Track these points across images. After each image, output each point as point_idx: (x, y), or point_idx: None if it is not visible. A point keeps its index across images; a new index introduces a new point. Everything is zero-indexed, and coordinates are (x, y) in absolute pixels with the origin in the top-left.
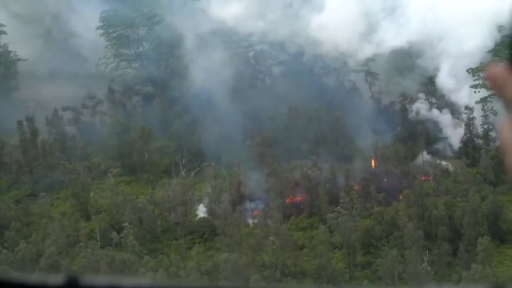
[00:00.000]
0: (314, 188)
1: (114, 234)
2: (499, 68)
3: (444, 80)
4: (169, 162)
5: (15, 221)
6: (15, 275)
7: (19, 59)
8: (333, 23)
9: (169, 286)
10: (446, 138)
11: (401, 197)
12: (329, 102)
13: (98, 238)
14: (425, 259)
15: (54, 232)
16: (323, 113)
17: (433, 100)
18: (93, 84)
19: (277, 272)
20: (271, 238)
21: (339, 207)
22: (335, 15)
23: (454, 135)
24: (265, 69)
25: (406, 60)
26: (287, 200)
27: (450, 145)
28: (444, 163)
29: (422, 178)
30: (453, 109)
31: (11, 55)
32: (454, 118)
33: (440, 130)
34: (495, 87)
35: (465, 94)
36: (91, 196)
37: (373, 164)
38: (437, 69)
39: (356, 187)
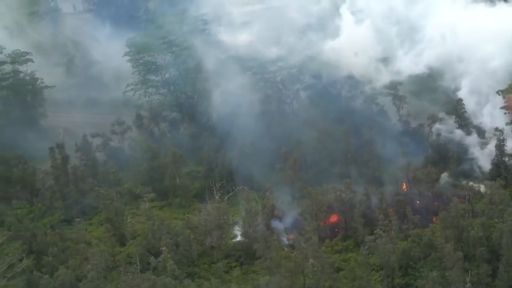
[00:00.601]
0: (348, 211)
1: (152, 259)
2: None
3: (468, 101)
4: (200, 186)
5: (52, 246)
6: None
7: (46, 86)
8: (349, 47)
9: None
10: (474, 159)
11: (434, 219)
12: (358, 125)
13: (137, 263)
14: (467, 280)
15: (94, 257)
16: (352, 136)
17: (461, 122)
18: (120, 111)
19: None
20: (311, 260)
21: (378, 229)
22: (352, 40)
23: (482, 156)
24: (292, 93)
25: (429, 82)
26: (321, 223)
27: (480, 167)
28: (475, 184)
29: (457, 199)
30: (479, 131)
31: (38, 82)
32: (481, 139)
33: (468, 152)
34: None
35: (489, 115)
36: (128, 220)
37: (404, 186)
38: (458, 89)
39: (390, 209)
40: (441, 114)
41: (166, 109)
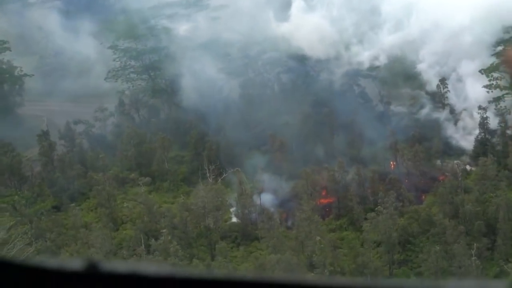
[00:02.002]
0: (341, 190)
1: (152, 241)
2: None
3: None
4: (187, 170)
5: (49, 232)
6: (34, 260)
7: (25, 75)
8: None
9: (190, 274)
10: (453, 137)
11: (423, 197)
12: (340, 107)
13: (143, 245)
14: (472, 253)
15: (97, 240)
16: (336, 118)
17: (444, 102)
18: (93, 99)
19: (326, 271)
20: (318, 237)
21: (379, 206)
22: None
23: (460, 134)
24: (273, 76)
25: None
26: (318, 202)
27: (459, 145)
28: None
29: (442, 177)
30: (454, 110)
31: (17, 70)
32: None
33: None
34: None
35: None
36: (125, 205)
37: (392, 165)
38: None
39: (383, 188)
40: (424, 96)
41: (148, 95)
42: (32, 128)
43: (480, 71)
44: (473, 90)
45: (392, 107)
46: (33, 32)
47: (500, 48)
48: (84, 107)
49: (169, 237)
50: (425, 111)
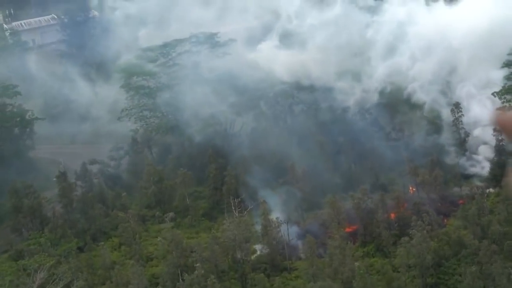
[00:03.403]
0: (366, 217)
1: (185, 275)
2: (509, 113)
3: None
4: (207, 206)
5: (80, 272)
6: None
7: (36, 118)
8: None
9: None
10: (473, 161)
11: (445, 220)
12: (354, 135)
13: (180, 279)
14: (510, 272)
15: (134, 277)
16: (351, 147)
17: (458, 125)
18: (100, 140)
19: None
20: (357, 263)
21: (412, 230)
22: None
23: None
24: (286, 108)
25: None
26: (346, 230)
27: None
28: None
29: (461, 201)
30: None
31: (28, 114)
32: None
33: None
34: (506, 132)
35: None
36: (158, 239)
37: (411, 191)
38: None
39: (409, 213)
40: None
41: (161, 132)
42: (43, 171)
43: (493, 94)
44: (481, 113)
45: (404, 133)
46: (36, 76)
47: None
48: (92, 149)
49: (202, 271)
50: (437, 136)
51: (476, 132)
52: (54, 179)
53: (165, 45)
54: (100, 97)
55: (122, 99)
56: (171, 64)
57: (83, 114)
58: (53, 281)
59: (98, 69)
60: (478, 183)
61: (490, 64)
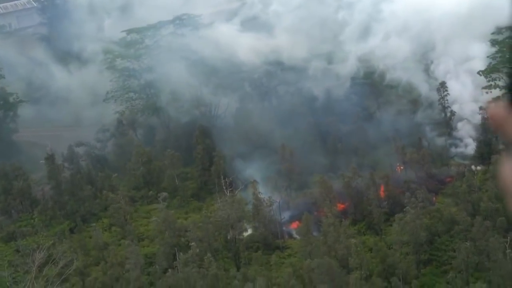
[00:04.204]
0: (356, 195)
1: (180, 254)
2: (500, 109)
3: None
4: (196, 186)
5: (74, 252)
6: None
7: (21, 101)
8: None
9: None
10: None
11: (434, 198)
12: (340, 114)
13: (177, 258)
14: (506, 246)
15: (131, 256)
16: (337, 126)
17: (444, 104)
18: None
19: (363, 272)
20: (353, 240)
21: (407, 206)
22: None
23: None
24: (270, 89)
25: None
26: (338, 208)
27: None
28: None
29: (449, 179)
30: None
31: (12, 97)
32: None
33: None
34: (497, 127)
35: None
36: (152, 219)
37: (398, 169)
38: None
39: (400, 191)
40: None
41: (147, 113)
42: (27, 154)
43: (478, 73)
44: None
45: (389, 113)
46: (16, 60)
47: (494, 49)
48: (75, 132)
49: (197, 250)
50: (423, 115)
51: (456, 109)
52: (42, 161)
53: (149, 27)
54: (82, 80)
55: (104, 82)
56: (155, 46)
57: (64, 97)
58: (52, 261)
59: (78, 52)
60: (464, 162)
61: (471, 40)
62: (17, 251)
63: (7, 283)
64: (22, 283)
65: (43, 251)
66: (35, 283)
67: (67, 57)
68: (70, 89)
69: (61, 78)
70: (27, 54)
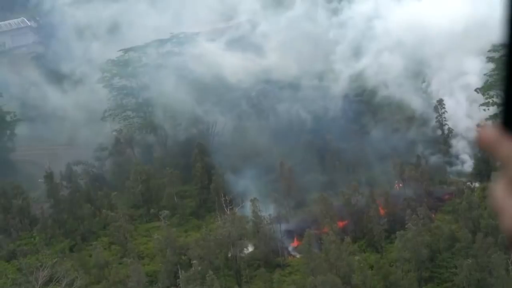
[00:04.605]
0: (356, 213)
1: (182, 272)
2: (491, 130)
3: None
4: (195, 204)
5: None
6: None
7: (18, 120)
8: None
9: None
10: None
11: (433, 215)
12: (338, 132)
13: (180, 275)
14: (509, 263)
15: (134, 274)
16: (334, 143)
17: (441, 121)
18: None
19: None
20: (357, 257)
21: (409, 223)
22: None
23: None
24: (268, 107)
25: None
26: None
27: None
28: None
29: (447, 196)
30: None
31: (10, 115)
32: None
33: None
34: (488, 149)
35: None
36: (154, 237)
37: (397, 187)
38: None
39: (400, 208)
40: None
41: (146, 132)
42: (24, 172)
43: (475, 90)
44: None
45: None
46: (11, 79)
47: (491, 66)
48: (71, 150)
49: (199, 268)
50: (418, 132)
51: (452, 126)
52: (40, 180)
53: (146, 46)
54: (77, 99)
55: (100, 100)
56: (153, 64)
57: (60, 116)
58: (56, 279)
59: (73, 71)
60: (462, 179)
61: (466, 57)
62: (20, 269)
63: None
64: None
65: (46, 269)
66: None
67: (62, 76)
68: (65, 108)
69: (56, 97)
70: (22, 73)
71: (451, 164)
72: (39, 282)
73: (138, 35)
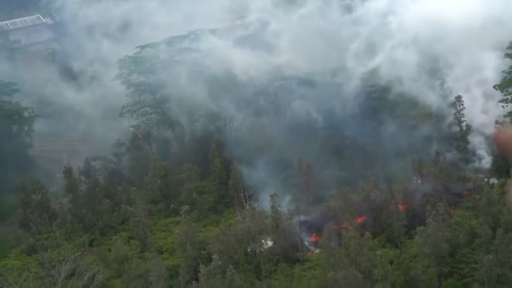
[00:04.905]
0: (376, 208)
1: (202, 267)
2: (509, 128)
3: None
4: (213, 200)
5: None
6: None
7: (36, 115)
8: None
9: None
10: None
11: (452, 211)
12: (354, 127)
13: (200, 270)
14: None
15: (155, 268)
16: (352, 139)
17: (460, 118)
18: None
19: (387, 284)
20: (379, 252)
21: (429, 219)
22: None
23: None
24: (286, 103)
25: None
26: (358, 221)
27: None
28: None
29: (466, 192)
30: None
31: (28, 111)
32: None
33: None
34: (505, 149)
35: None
36: (175, 232)
37: (415, 183)
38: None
39: (419, 204)
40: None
41: (163, 128)
42: (42, 168)
43: (494, 87)
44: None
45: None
46: (29, 75)
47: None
48: (88, 146)
49: (219, 262)
50: (435, 129)
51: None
52: (58, 175)
53: (163, 42)
54: (93, 95)
55: (116, 97)
56: (170, 61)
57: (77, 112)
58: (78, 273)
59: (89, 67)
60: (480, 175)
61: (483, 53)
62: (42, 263)
63: None
64: None
65: (68, 263)
66: None
67: (78, 72)
68: (81, 104)
69: (72, 93)
70: (37, 70)
71: (468, 160)
72: (62, 276)
73: (151, 33)
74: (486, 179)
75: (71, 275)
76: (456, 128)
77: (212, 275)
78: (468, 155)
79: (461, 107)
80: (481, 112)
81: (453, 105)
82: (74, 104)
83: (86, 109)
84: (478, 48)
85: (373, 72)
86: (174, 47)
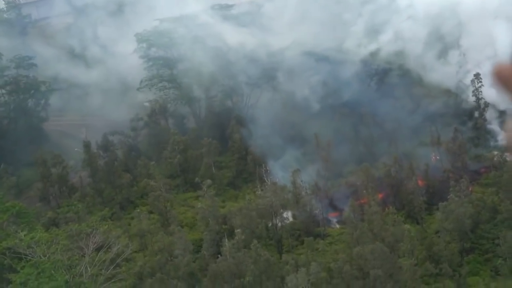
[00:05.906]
0: (396, 184)
1: (225, 241)
2: (507, 66)
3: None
4: (232, 175)
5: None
6: None
7: (53, 89)
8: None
9: None
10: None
11: (470, 188)
12: (372, 106)
13: (223, 244)
14: None
15: (181, 241)
16: (370, 116)
17: (478, 95)
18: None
19: (413, 258)
20: (407, 226)
21: (451, 195)
22: None
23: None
24: (303, 80)
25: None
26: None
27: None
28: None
29: (484, 169)
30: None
31: (45, 85)
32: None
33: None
34: (503, 84)
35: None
36: (199, 206)
37: (433, 159)
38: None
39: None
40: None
41: (181, 103)
42: (57, 143)
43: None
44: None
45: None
46: (43, 50)
47: None
48: (103, 121)
49: (243, 237)
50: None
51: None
52: (76, 149)
53: (182, 17)
54: (108, 70)
55: (131, 71)
56: (188, 36)
57: (91, 87)
58: (107, 246)
59: (104, 42)
60: (497, 152)
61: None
62: (70, 236)
63: (63, 267)
64: (78, 267)
65: (96, 236)
66: (88, 268)
67: (92, 47)
68: (95, 79)
69: (83, 69)
70: (49, 44)
71: (484, 137)
72: (90, 248)
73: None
74: (503, 156)
75: (100, 247)
76: (471, 105)
77: (236, 249)
78: (483, 132)
79: (479, 84)
80: (491, 87)
81: (472, 82)
82: (87, 79)
83: (100, 84)
84: (490, 22)
85: (390, 49)
86: (192, 22)
